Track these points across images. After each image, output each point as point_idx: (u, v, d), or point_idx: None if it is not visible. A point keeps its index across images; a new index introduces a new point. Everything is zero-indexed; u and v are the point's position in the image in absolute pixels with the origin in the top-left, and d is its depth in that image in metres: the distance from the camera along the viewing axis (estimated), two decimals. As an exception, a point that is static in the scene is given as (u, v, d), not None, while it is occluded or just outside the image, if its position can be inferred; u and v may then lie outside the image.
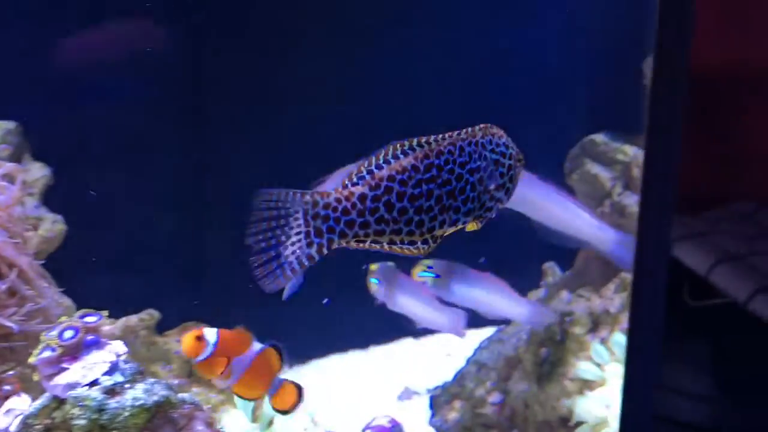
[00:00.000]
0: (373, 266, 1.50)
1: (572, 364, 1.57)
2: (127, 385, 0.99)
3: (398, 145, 0.90)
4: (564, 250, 2.04)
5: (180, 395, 1.04)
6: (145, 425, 0.97)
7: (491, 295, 1.47)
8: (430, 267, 1.49)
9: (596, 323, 1.61)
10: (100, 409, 0.97)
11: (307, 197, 0.85)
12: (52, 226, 1.54)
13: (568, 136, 1.90)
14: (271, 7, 1.95)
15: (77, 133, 1.81)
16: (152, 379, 1.03)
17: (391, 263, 1.51)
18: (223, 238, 2.09)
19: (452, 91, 1.88)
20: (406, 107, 1.90)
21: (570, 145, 1.90)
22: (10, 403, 1.08)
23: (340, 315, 1.96)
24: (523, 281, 2.11)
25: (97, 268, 1.80)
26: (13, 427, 1.03)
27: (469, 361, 1.82)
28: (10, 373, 1.27)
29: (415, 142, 0.90)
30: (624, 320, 1.63)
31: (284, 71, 1.99)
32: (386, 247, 0.89)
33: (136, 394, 0.99)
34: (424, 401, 2.00)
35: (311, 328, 2.14)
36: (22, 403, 1.08)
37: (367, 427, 1.65)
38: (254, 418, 1.43)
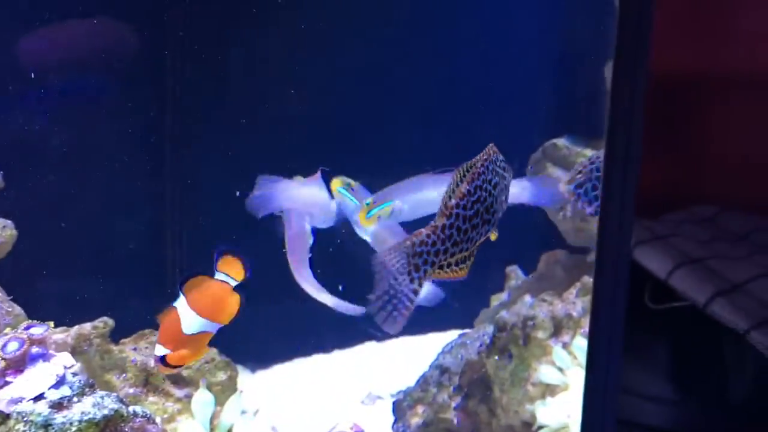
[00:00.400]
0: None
1: (535, 369, 1.57)
2: (75, 399, 0.96)
3: (458, 173, 1.07)
4: (529, 253, 2.05)
5: (131, 408, 1.00)
6: (94, 440, 0.94)
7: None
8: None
9: (558, 327, 1.61)
10: (46, 425, 0.93)
11: (408, 243, 1.00)
12: (2, 231, 1.49)
13: (530, 140, 1.90)
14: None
15: (27, 133, 1.76)
16: (102, 392, 0.99)
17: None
18: (181, 243, 2.06)
19: (415, 93, 1.86)
20: (364, 109, 1.88)
21: (532, 149, 1.90)
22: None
23: (304, 319, 1.94)
24: (487, 284, 2.12)
25: (49, 276, 1.76)
26: (-47, 443, 0.98)
27: (432, 365, 1.81)
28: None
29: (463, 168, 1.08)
30: (586, 324, 1.63)
31: (259, 71, 1.96)
32: (436, 272, 1.05)
33: (85, 408, 0.96)
34: (388, 405, 1.99)
35: (275, 332, 2.12)
36: (-36, 418, 1.04)
37: (330, 432, 1.63)
38: (212, 428, 1.40)
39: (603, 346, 1.27)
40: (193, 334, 1.10)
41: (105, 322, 1.46)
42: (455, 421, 1.68)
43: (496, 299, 2.03)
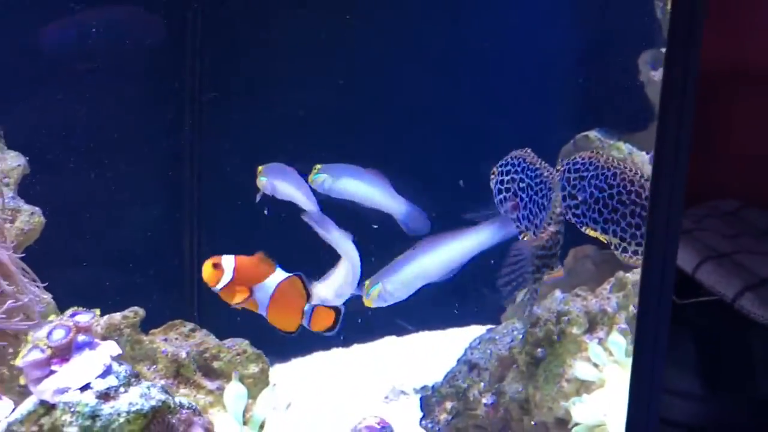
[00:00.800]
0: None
1: (569, 365, 1.54)
2: (121, 389, 0.93)
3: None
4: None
5: (177, 399, 0.97)
6: (141, 432, 0.91)
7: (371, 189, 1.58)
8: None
9: (593, 323, 1.58)
10: (94, 416, 0.90)
11: (534, 245, 1.17)
12: (30, 218, 1.46)
13: (562, 132, 1.87)
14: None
15: (57, 123, 1.74)
16: (147, 383, 0.96)
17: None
18: (212, 236, 2.04)
19: (448, 88, 1.84)
20: (398, 105, 1.86)
21: (563, 141, 1.87)
22: (-9, 408, 1.01)
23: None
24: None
25: (77, 264, 1.73)
26: (-6, 434, 0.95)
27: (459, 361, 1.78)
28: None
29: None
30: (620, 321, 1.60)
31: (277, 67, 1.95)
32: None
33: (132, 398, 0.93)
34: (413, 401, 1.96)
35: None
36: (4, 408, 1.01)
37: (356, 427, 1.61)
38: (245, 421, 1.37)
39: (649, 344, 1.24)
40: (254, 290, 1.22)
41: (135, 312, 1.42)
42: (486, 417, 1.65)
43: (521, 295, 2.01)
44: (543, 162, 1.54)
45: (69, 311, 0.95)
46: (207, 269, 1.23)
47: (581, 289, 1.64)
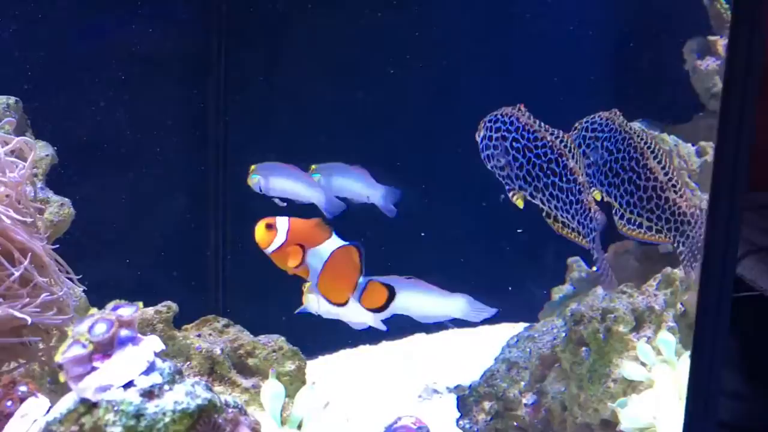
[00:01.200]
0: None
1: (616, 365, 1.48)
2: (166, 387, 0.88)
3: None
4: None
5: (223, 397, 0.92)
6: (186, 433, 0.86)
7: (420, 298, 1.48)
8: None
9: (640, 321, 1.52)
10: (138, 415, 0.85)
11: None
12: (60, 209, 1.41)
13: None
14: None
15: (87, 114, 1.72)
16: (192, 380, 0.91)
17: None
18: (239, 231, 2.01)
19: (488, 80, 1.78)
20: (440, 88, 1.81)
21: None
22: (26, 407, 0.96)
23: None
24: (544, 277, 2.04)
25: (107, 257, 1.69)
26: (30, 434, 0.91)
27: (497, 359, 1.72)
28: (20, 371, 1.14)
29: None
30: (668, 318, 1.54)
31: (306, 65, 1.94)
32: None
33: (177, 397, 0.88)
34: (446, 400, 1.91)
35: (320, 322, 2.05)
36: (40, 407, 0.96)
37: (391, 427, 1.55)
38: (283, 420, 1.31)
39: (708, 346, 1.19)
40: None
41: (168, 306, 1.37)
42: (526, 418, 1.60)
43: (558, 292, 1.95)
44: (541, 123, 1.50)
45: (110, 304, 0.90)
46: (260, 230, 1.19)
47: (627, 285, 1.58)
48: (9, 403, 0.97)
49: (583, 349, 1.52)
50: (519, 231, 2.00)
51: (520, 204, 1.56)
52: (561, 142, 1.51)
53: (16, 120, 1.45)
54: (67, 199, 1.43)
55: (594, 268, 1.75)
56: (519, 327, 2.12)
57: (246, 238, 2.08)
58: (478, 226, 2.15)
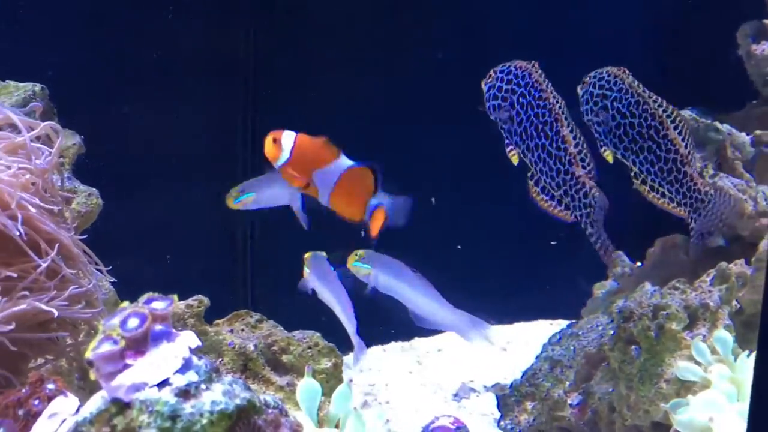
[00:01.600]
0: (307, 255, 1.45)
1: (669, 364, 1.40)
2: (203, 386, 0.82)
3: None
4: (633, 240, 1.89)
5: (262, 397, 0.86)
6: (224, 435, 0.80)
7: (416, 294, 1.41)
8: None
9: (693, 318, 1.44)
10: (174, 416, 0.79)
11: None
12: (87, 200, 1.36)
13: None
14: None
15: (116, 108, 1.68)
16: (229, 378, 0.85)
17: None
18: (266, 224, 1.97)
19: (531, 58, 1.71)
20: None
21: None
22: (54, 406, 0.90)
23: (383, 305, 1.82)
24: (583, 273, 1.96)
25: (137, 250, 1.64)
26: (59, 434, 0.85)
27: (539, 357, 1.65)
28: (47, 367, 1.09)
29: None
30: (723, 316, 1.46)
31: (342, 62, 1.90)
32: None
33: (215, 396, 0.81)
34: (484, 400, 1.84)
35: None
36: (69, 405, 0.90)
37: (428, 427, 1.49)
38: (319, 420, 1.25)
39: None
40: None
41: (200, 301, 1.32)
42: (572, 419, 1.52)
43: (600, 288, 1.87)
44: (549, 84, 1.46)
45: (143, 297, 0.84)
46: (268, 144, 1.15)
47: (679, 281, 1.49)
48: (36, 401, 0.91)
49: (633, 347, 1.44)
50: (553, 243, 1.95)
51: (515, 160, 1.54)
52: (560, 108, 1.49)
53: (42, 106, 1.41)
54: (95, 189, 1.38)
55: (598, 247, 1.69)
56: (556, 324, 2.05)
57: (274, 232, 2.03)
58: (511, 225, 2.09)
